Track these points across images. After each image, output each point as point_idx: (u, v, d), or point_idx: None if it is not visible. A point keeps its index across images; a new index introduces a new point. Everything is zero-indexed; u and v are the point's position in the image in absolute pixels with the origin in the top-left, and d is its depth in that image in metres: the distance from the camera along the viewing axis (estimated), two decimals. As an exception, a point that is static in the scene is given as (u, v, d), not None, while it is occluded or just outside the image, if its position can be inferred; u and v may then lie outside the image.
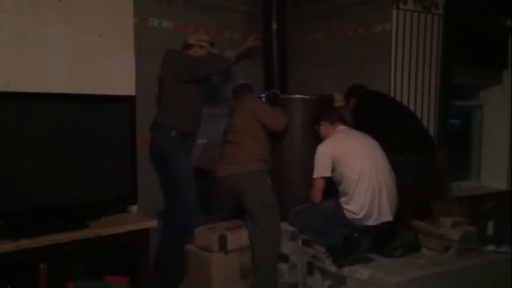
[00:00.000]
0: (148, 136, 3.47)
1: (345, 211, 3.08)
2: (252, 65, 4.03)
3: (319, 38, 4.18)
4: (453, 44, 3.91)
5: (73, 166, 2.86)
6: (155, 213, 3.42)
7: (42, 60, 2.96)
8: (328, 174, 3.16)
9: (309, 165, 3.22)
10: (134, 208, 3.25)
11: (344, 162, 3.11)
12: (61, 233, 2.66)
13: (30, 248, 2.54)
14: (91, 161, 2.92)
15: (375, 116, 3.40)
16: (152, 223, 3.07)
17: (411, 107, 3.69)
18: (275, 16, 3.98)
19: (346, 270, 2.93)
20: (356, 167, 3.07)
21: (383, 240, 3.07)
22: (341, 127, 3.34)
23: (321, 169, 3.17)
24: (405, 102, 3.68)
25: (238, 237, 3.27)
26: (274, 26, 3.98)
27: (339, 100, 3.64)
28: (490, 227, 3.50)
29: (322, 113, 3.40)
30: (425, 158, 3.35)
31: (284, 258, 3.31)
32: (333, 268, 3.01)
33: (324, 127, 3.34)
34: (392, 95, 3.66)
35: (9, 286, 2.58)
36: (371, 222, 3.05)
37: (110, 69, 3.23)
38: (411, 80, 3.76)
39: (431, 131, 3.77)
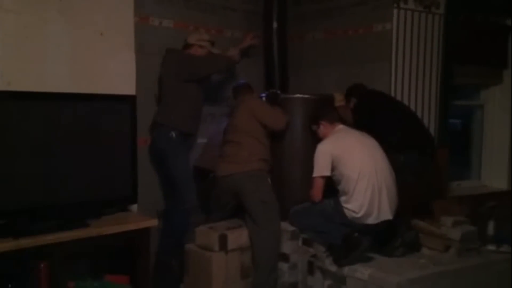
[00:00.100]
0: (149, 135, 3.47)
1: (345, 210, 3.09)
2: (253, 65, 4.03)
3: (320, 37, 4.17)
4: (454, 43, 3.91)
5: (74, 165, 2.86)
6: (156, 212, 3.42)
7: (43, 59, 2.96)
8: (328, 173, 3.16)
9: (309, 165, 3.22)
10: (134, 207, 3.25)
11: (343, 161, 3.11)
12: (62, 232, 2.66)
13: (30, 247, 2.54)
14: (91, 160, 2.92)
15: (376, 115, 3.40)
16: (153, 223, 3.07)
17: (412, 107, 3.69)
18: (276, 15, 3.98)
19: (346, 270, 2.93)
20: (356, 166, 3.07)
21: (384, 239, 3.08)
22: (340, 126, 3.34)
23: (321, 168, 3.17)
24: (405, 102, 3.68)
25: (239, 237, 3.27)
26: (275, 25, 3.98)
27: (339, 100, 3.64)
28: (491, 227, 3.49)
29: (321, 113, 3.39)
30: (425, 157, 3.35)
31: (285, 258, 3.31)
32: (333, 268, 3.01)
33: (323, 127, 3.34)
34: (392, 94, 3.66)
35: (9, 285, 2.58)
36: (371, 220, 3.05)
37: (111, 68, 3.23)
38: (412, 79, 3.75)
39: (432, 130, 3.77)
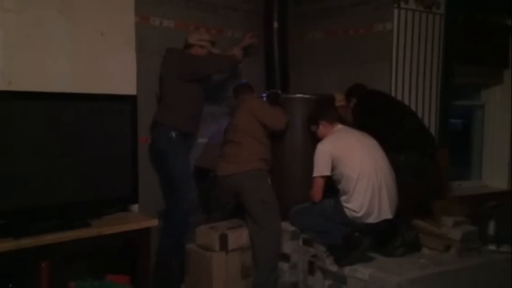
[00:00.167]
0: (149, 134, 3.47)
1: (346, 210, 3.09)
2: (253, 64, 4.03)
3: (320, 37, 4.17)
4: (454, 43, 3.91)
5: (74, 165, 2.85)
6: (156, 212, 3.42)
7: (43, 59, 2.95)
8: (328, 173, 3.17)
9: (309, 165, 3.22)
10: (135, 207, 3.24)
11: (343, 161, 3.11)
12: (62, 232, 2.66)
13: (31, 247, 2.53)
14: (92, 160, 2.91)
15: (376, 115, 3.40)
16: (153, 222, 3.07)
17: (412, 107, 3.69)
18: (276, 15, 3.99)
19: (347, 270, 2.93)
20: (356, 165, 3.07)
21: (384, 239, 3.08)
22: (339, 126, 3.34)
23: (321, 168, 3.17)
24: (406, 102, 3.68)
25: (239, 236, 3.27)
26: (275, 25, 3.98)
27: (340, 100, 3.63)
28: (491, 227, 3.50)
29: (320, 113, 3.39)
30: (425, 157, 3.35)
31: (285, 257, 3.31)
32: (334, 268, 3.01)
33: (323, 127, 3.34)
34: (393, 94, 3.66)
35: (10, 285, 2.58)
36: (372, 220, 3.05)
37: (111, 68, 3.22)
38: (412, 79, 3.75)
39: (432, 130, 3.77)
